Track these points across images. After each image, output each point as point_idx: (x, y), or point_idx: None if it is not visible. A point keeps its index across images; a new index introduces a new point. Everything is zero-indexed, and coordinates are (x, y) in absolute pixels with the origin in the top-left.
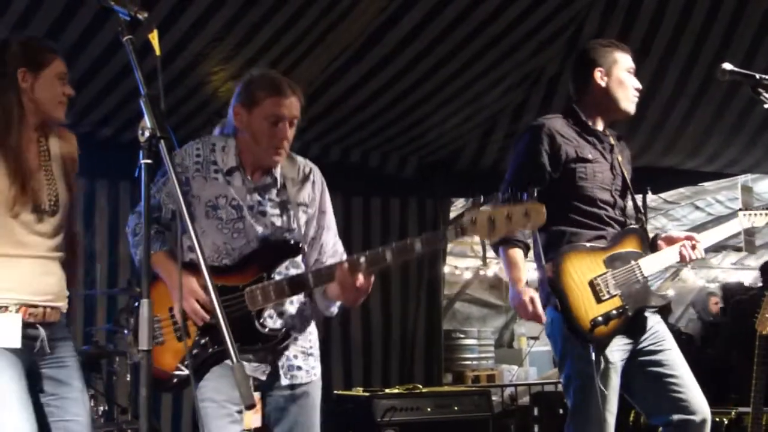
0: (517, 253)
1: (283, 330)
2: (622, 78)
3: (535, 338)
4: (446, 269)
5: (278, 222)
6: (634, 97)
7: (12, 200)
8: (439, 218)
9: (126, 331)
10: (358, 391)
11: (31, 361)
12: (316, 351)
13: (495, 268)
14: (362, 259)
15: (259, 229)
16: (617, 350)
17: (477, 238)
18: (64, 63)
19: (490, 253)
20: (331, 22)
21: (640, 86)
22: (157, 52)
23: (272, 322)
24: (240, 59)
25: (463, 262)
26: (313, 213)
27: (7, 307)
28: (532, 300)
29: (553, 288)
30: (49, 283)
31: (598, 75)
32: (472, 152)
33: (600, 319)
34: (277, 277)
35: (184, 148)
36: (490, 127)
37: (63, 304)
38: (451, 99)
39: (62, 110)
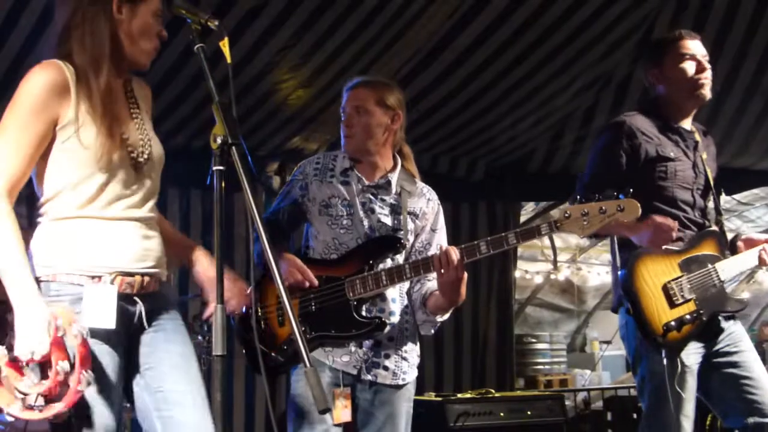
0: None
1: (379, 318)
2: (678, 69)
3: (608, 342)
4: (517, 273)
5: (386, 221)
6: (699, 83)
7: (100, 149)
8: (510, 222)
9: (200, 337)
10: (431, 396)
11: (130, 339)
12: (413, 358)
13: (566, 272)
14: (458, 250)
15: (366, 224)
16: (693, 353)
17: (547, 241)
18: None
19: (561, 257)
20: (399, 28)
21: (705, 67)
22: (228, 59)
23: (369, 312)
24: (310, 67)
25: (534, 266)
26: (423, 226)
27: (100, 277)
28: (655, 222)
29: (625, 291)
30: (147, 248)
31: (656, 73)
32: (542, 155)
33: (673, 323)
34: (378, 270)
35: (309, 159)
36: (560, 130)
37: (163, 271)
38: (520, 102)
39: (149, 57)
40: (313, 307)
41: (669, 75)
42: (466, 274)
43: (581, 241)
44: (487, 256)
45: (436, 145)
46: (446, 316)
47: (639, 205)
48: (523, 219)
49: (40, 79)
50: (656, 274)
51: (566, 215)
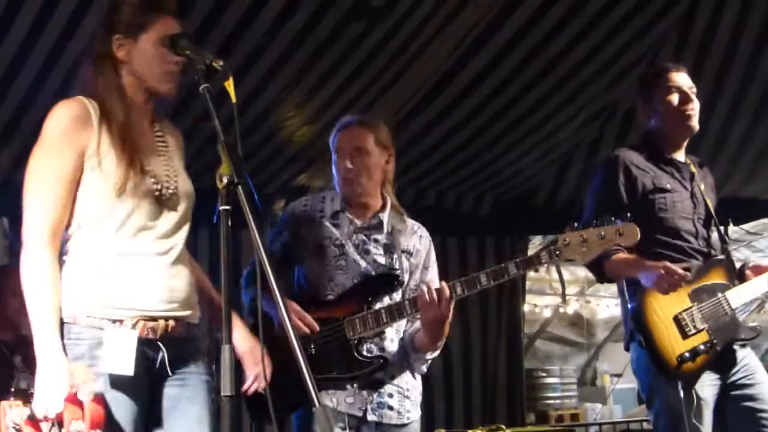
0: (620, 254)
1: (380, 357)
2: (669, 99)
3: (619, 375)
4: (526, 307)
5: (381, 260)
6: (685, 114)
7: (120, 177)
8: (517, 256)
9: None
10: None
11: (152, 386)
12: (415, 396)
13: (575, 305)
14: (457, 284)
15: (362, 265)
16: (708, 386)
17: (555, 274)
18: (174, 22)
19: (570, 290)
20: (403, 64)
21: (691, 98)
22: (234, 99)
23: (369, 352)
24: (314, 104)
25: (543, 300)
26: (417, 264)
27: (122, 321)
28: (666, 267)
29: (636, 324)
30: (173, 287)
31: (644, 108)
32: (548, 189)
33: (687, 355)
34: (376, 308)
35: (296, 202)
36: (566, 162)
37: (191, 314)
38: (525, 136)
39: (170, 83)
40: (313, 350)
41: (657, 108)
42: (451, 314)
43: (589, 274)
44: (495, 290)
45: (441, 180)
46: (436, 353)
47: (638, 229)
48: (531, 253)
49: (61, 113)
50: (666, 306)
51: (565, 242)
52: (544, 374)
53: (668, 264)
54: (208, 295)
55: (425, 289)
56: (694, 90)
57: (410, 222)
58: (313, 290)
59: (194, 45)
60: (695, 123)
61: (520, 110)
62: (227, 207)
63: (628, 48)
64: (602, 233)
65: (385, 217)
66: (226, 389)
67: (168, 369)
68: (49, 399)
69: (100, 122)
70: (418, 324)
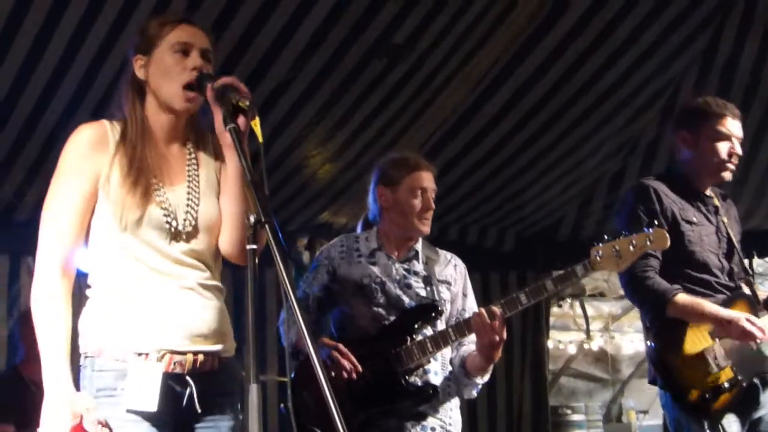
0: (682, 296)
1: (428, 387)
2: (712, 145)
3: (645, 412)
4: (550, 344)
5: (423, 293)
6: (726, 165)
7: (122, 212)
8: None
9: None
10: None
11: (180, 423)
12: (457, 430)
13: (599, 340)
14: (498, 306)
15: (405, 300)
16: (734, 422)
17: (579, 310)
18: (192, 28)
19: (594, 326)
20: (425, 100)
21: (737, 152)
22: (260, 139)
23: (416, 381)
24: (336, 141)
25: (567, 336)
26: (456, 292)
27: (147, 354)
28: (749, 320)
29: (656, 364)
30: (200, 321)
31: (686, 137)
32: (571, 222)
33: (710, 393)
34: (420, 338)
35: (331, 243)
36: (589, 196)
37: (223, 348)
38: (548, 170)
39: (181, 98)
40: (362, 386)
41: (701, 146)
42: (505, 333)
43: (613, 309)
44: (519, 326)
45: (464, 216)
46: (486, 377)
47: (667, 234)
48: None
49: (77, 138)
50: (687, 344)
51: (598, 255)
52: (570, 411)
53: (750, 317)
54: None
55: (480, 313)
56: (741, 140)
57: (442, 252)
58: (356, 329)
59: (219, 84)
60: (729, 176)
61: (542, 144)
62: (254, 246)
63: (651, 80)
64: (633, 241)
65: (419, 247)
66: (254, 430)
67: (197, 405)
68: (54, 429)
69: (117, 146)
70: (465, 350)
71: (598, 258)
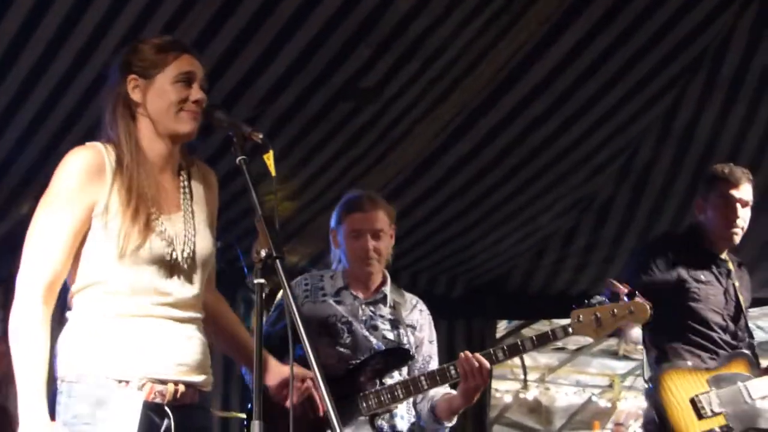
0: None
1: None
2: (715, 213)
3: None
4: None
5: (390, 336)
6: (729, 232)
7: (123, 240)
8: (486, 339)
9: None
10: None
11: None
12: None
13: (535, 391)
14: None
15: (372, 341)
16: None
17: (517, 360)
18: (193, 61)
19: (531, 376)
20: (388, 145)
21: (739, 217)
22: (273, 172)
23: (383, 425)
24: (297, 181)
25: (503, 385)
26: (422, 338)
27: (128, 382)
28: None
29: (652, 402)
30: (184, 351)
31: (700, 204)
32: (522, 274)
33: None
34: (390, 383)
35: (294, 282)
36: (541, 249)
37: (203, 380)
38: (502, 222)
39: (187, 120)
40: (327, 425)
41: (708, 213)
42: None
43: (550, 360)
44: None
45: (416, 262)
46: (454, 420)
47: (648, 306)
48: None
49: (74, 163)
50: (684, 388)
51: (579, 320)
52: None
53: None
54: (241, 338)
55: (468, 358)
56: (750, 205)
57: (408, 295)
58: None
59: (230, 116)
60: (737, 239)
61: (500, 197)
62: (262, 281)
63: (610, 141)
64: (615, 311)
65: (387, 291)
66: None
67: None
68: None
69: (115, 173)
70: (433, 395)
71: (577, 322)
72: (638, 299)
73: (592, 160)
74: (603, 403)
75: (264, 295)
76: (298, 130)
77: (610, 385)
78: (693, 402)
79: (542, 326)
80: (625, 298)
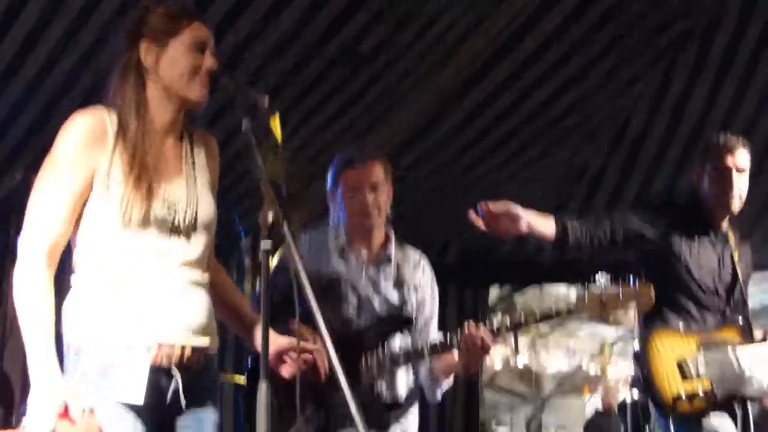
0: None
1: (398, 399)
2: (715, 180)
3: (564, 428)
4: None
5: (393, 298)
6: (725, 199)
7: (125, 205)
8: (478, 306)
9: None
10: None
11: (163, 417)
12: (414, 430)
13: (525, 357)
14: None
15: (376, 303)
16: (728, 426)
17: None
18: (205, 28)
19: (521, 342)
20: (380, 113)
21: (734, 184)
22: (279, 138)
23: (385, 391)
24: (291, 146)
25: (494, 351)
26: (424, 297)
27: (135, 346)
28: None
29: (638, 359)
30: (190, 315)
31: (697, 173)
32: (514, 241)
33: (683, 395)
34: (391, 348)
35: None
36: None
37: (208, 343)
38: (495, 188)
39: (200, 88)
40: (328, 388)
41: (705, 180)
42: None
43: (541, 327)
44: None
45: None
46: (451, 380)
47: (653, 291)
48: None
49: (76, 128)
50: (671, 349)
51: (583, 300)
52: (496, 424)
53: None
54: (238, 305)
55: (472, 333)
56: (746, 171)
57: (411, 252)
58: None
59: (237, 82)
60: (735, 206)
61: (493, 162)
62: (269, 246)
63: (602, 111)
64: (620, 294)
65: (392, 250)
66: (261, 428)
67: (182, 400)
68: (41, 417)
69: (116, 139)
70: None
71: (582, 303)
72: (643, 285)
73: (584, 130)
74: (593, 368)
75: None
76: (296, 93)
77: (600, 351)
78: (679, 363)
79: (534, 291)
80: (633, 284)
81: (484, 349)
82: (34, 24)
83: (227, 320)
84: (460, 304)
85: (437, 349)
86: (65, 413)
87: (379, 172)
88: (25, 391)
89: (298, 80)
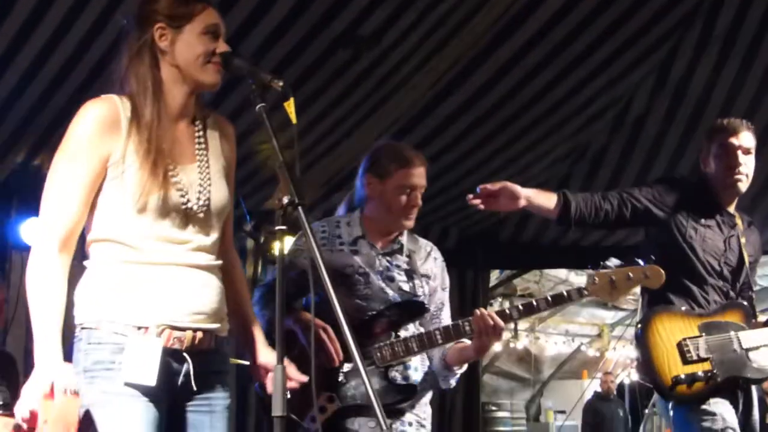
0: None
1: (412, 386)
2: (716, 161)
3: (562, 412)
4: None
5: (405, 287)
6: (731, 180)
7: (139, 189)
8: (479, 289)
9: None
10: None
11: (174, 400)
12: (429, 424)
13: (525, 341)
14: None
15: (389, 292)
16: (728, 411)
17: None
18: (216, 14)
19: (521, 325)
20: (384, 94)
21: (738, 164)
22: (294, 120)
23: (397, 376)
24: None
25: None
26: (435, 287)
27: (147, 329)
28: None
29: (637, 342)
30: (202, 299)
31: (704, 157)
32: (514, 224)
33: (683, 377)
34: (404, 335)
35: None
36: None
37: (220, 326)
38: (496, 172)
39: (213, 72)
40: (342, 377)
41: (711, 162)
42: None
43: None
44: (459, 318)
45: None
46: (465, 367)
47: (663, 272)
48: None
49: (89, 115)
50: (672, 331)
51: (594, 282)
52: (495, 408)
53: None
54: (242, 311)
55: (483, 316)
56: (751, 152)
57: (422, 242)
58: (335, 318)
59: (250, 64)
60: (741, 187)
61: (495, 146)
62: (284, 227)
63: (604, 92)
64: (630, 274)
65: (404, 240)
66: (277, 410)
67: (192, 383)
68: (27, 397)
69: (130, 125)
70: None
71: (593, 284)
72: (653, 265)
73: (586, 111)
74: (592, 352)
75: (262, 241)
76: (294, 79)
77: (599, 335)
78: (680, 345)
79: (533, 276)
80: (643, 263)
81: (497, 334)
82: (33, 7)
83: (231, 325)
84: (461, 286)
85: (450, 335)
86: (51, 394)
87: (425, 176)
88: (28, 373)
89: (298, 63)
